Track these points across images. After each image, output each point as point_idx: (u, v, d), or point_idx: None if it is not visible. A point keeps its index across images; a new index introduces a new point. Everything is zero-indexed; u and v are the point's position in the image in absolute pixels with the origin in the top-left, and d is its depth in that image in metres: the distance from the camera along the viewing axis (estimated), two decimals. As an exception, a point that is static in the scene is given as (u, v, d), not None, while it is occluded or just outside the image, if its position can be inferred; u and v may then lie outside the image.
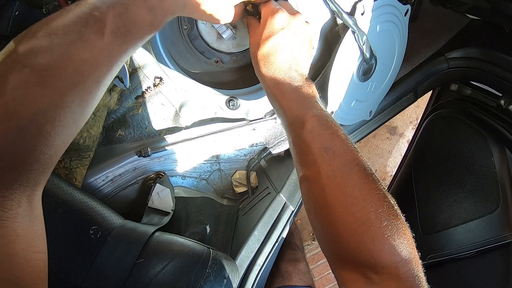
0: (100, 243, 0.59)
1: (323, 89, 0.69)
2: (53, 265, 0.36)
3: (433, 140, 1.17)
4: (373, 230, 0.41)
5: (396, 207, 0.44)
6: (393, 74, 0.82)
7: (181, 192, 0.85)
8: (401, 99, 0.98)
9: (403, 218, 0.43)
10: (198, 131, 0.76)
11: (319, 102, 0.52)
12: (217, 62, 0.69)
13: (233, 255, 0.74)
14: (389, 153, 2.21)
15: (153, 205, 0.76)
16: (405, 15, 0.74)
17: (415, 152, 1.25)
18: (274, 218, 0.77)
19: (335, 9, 0.62)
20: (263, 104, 0.73)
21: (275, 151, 0.82)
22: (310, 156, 0.47)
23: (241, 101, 0.72)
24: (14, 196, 0.33)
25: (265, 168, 0.90)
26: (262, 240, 0.76)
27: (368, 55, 0.68)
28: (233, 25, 0.65)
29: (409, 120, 2.19)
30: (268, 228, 0.77)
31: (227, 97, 0.71)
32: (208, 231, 0.78)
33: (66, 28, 0.37)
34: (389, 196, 0.44)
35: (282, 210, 0.78)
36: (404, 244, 0.41)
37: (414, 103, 1.03)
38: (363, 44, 0.65)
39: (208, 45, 0.68)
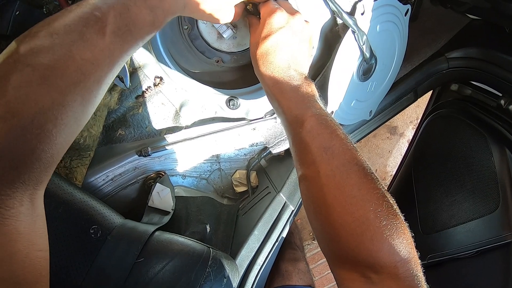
0: (101, 243, 0.59)
1: (323, 88, 0.69)
2: (53, 264, 0.36)
3: (433, 140, 1.17)
4: (372, 229, 0.41)
5: (395, 207, 0.44)
6: (393, 74, 0.82)
7: (181, 191, 0.85)
8: (401, 99, 0.98)
9: (402, 218, 0.44)
10: (198, 131, 0.76)
11: (318, 101, 0.52)
12: (218, 61, 0.69)
13: (233, 254, 0.74)
14: (389, 153, 2.21)
15: (153, 204, 0.76)
16: (405, 15, 0.74)
17: (415, 152, 1.25)
18: (274, 218, 0.78)
19: (335, 9, 0.62)
20: (263, 104, 0.73)
21: (275, 150, 0.82)
22: (309, 155, 0.47)
23: (241, 101, 0.72)
24: (16, 194, 0.33)
25: (265, 167, 0.90)
26: (262, 240, 0.76)
27: (368, 55, 0.68)
28: (233, 25, 0.65)
29: (409, 120, 2.19)
30: (268, 228, 0.77)
31: (227, 96, 0.71)
32: (208, 231, 0.79)
33: (68, 28, 0.37)
34: (388, 195, 0.44)
35: (282, 209, 0.78)
36: (403, 244, 0.41)
37: (414, 103, 1.03)
38: (363, 44, 0.65)
39: (208, 44, 0.68)
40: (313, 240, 2.10)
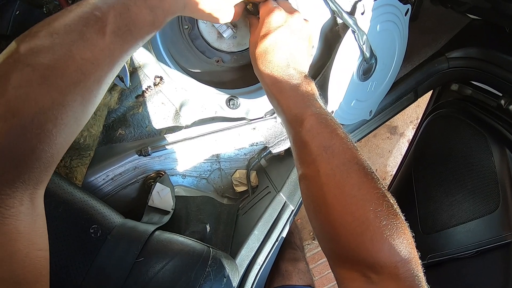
0: (100, 242, 0.59)
1: (323, 88, 0.69)
2: (53, 264, 0.36)
3: (433, 140, 1.17)
4: (372, 229, 0.41)
5: (395, 207, 0.44)
6: (393, 73, 0.82)
7: (181, 191, 0.85)
8: (402, 98, 0.98)
9: (403, 218, 0.43)
10: (198, 130, 0.76)
11: (318, 100, 0.52)
12: (218, 61, 0.69)
13: (233, 254, 0.74)
14: (390, 153, 2.21)
15: (153, 204, 0.76)
16: (405, 15, 0.74)
17: (415, 152, 1.25)
18: (274, 217, 0.78)
19: (335, 9, 0.62)
20: (263, 104, 0.73)
21: (275, 150, 0.82)
22: (309, 154, 0.47)
23: (241, 101, 0.72)
24: (16, 194, 0.33)
25: (265, 167, 0.90)
26: (262, 239, 0.76)
27: (368, 55, 0.68)
28: (233, 24, 0.65)
29: (410, 119, 2.19)
30: (268, 227, 0.77)
31: (228, 96, 0.71)
32: (208, 230, 0.79)
33: (68, 27, 0.37)
34: (389, 195, 0.44)
35: (282, 209, 0.78)
36: (404, 244, 0.41)
37: (415, 103, 1.03)
38: (363, 44, 0.65)
39: (208, 44, 0.68)
40: (313, 240, 2.10)
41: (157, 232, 0.65)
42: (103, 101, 0.68)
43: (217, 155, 0.85)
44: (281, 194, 0.79)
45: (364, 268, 0.42)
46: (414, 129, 1.75)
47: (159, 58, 0.68)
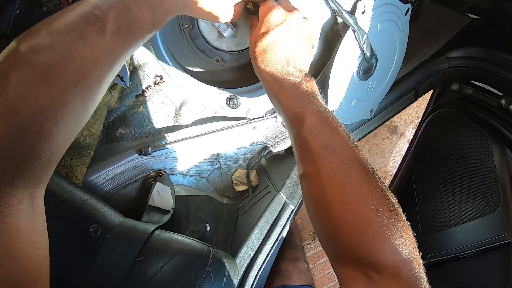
0: (100, 241, 0.59)
1: (323, 88, 0.69)
2: (53, 263, 0.36)
3: (434, 140, 1.17)
4: (373, 229, 0.41)
5: (397, 206, 0.43)
6: (394, 73, 0.82)
7: (181, 190, 0.85)
8: (402, 98, 0.98)
9: (404, 217, 0.43)
10: (199, 130, 0.76)
11: (319, 99, 0.51)
12: (218, 60, 0.69)
13: (233, 253, 0.74)
14: (390, 153, 2.21)
15: (153, 203, 0.76)
16: (405, 14, 0.74)
17: (415, 152, 1.25)
18: (274, 217, 0.77)
19: (335, 8, 0.62)
20: (263, 103, 0.73)
21: (276, 149, 0.82)
22: (309, 153, 0.47)
23: (241, 100, 0.72)
24: (16, 192, 0.33)
25: (265, 166, 0.90)
26: (262, 239, 0.76)
27: (368, 54, 0.68)
28: (233, 24, 0.65)
29: (410, 119, 2.19)
30: (268, 227, 0.77)
31: (228, 95, 0.71)
32: (208, 230, 0.79)
33: (68, 27, 0.37)
34: (390, 194, 0.44)
35: (282, 209, 0.78)
36: (405, 244, 0.41)
37: (415, 103, 1.03)
38: (364, 43, 0.65)
39: (209, 43, 0.68)
40: (314, 239, 2.11)
41: (157, 232, 0.65)
42: (103, 100, 0.68)
43: (217, 155, 0.85)
44: (281, 193, 0.79)
45: (365, 267, 0.42)
46: (415, 129, 1.75)
47: (159, 57, 0.68)
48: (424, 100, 1.21)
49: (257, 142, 0.83)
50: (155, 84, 0.71)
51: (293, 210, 0.79)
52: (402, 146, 2.20)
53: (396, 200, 0.44)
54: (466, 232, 0.96)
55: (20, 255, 0.32)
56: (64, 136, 0.37)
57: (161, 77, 0.70)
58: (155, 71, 0.69)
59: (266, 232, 0.76)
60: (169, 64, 0.69)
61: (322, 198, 0.46)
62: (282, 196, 0.79)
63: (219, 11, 0.54)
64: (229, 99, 0.72)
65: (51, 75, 0.35)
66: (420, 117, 1.34)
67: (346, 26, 0.64)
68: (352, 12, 0.64)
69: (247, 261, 0.74)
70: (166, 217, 0.73)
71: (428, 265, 1.05)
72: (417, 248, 0.42)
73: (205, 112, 0.75)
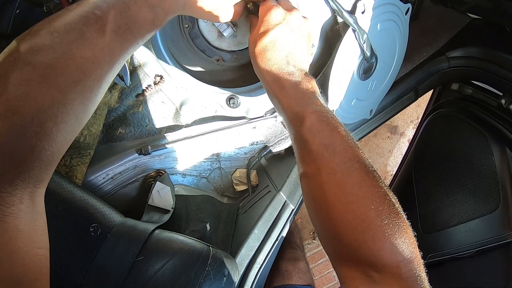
0: (100, 241, 0.59)
1: (323, 87, 0.69)
2: (53, 262, 0.36)
3: (434, 140, 1.17)
4: (374, 228, 0.41)
5: (397, 205, 0.43)
6: (394, 73, 0.82)
7: (181, 190, 0.85)
8: (402, 98, 0.98)
9: (405, 217, 0.43)
10: (199, 129, 0.76)
11: (319, 98, 0.51)
12: (218, 60, 0.69)
13: (233, 253, 0.74)
14: (390, 152, 2.21)
15: (153, 203, 0.76)
16: (405, 14, 0.74)
17: (415, 151, 1.25)
18: (274, 217, 0.78)
19: (335, 8, 0.62)
20: (263, 103, 0.73)
21: (276, 149, 0.82)
22: (309, 153, 0.47)
23: (241, 100, 0.72)
24: (16, 192, 0.33)
25: (265, 166, 0.90)
26: (262, 239, 0.76)
27: (368, 54, 0.68)
28: (233, 23, 0.65)
29: (410, 119, 2.19)
30: (268, 227, 0.77)
31: (228, 95, 0.71)
32: (208, 229, 0.79)
33: (68, 26, 0.37)
34: (391, 194, 0.44)
35: (282, 208, 0.78)
36: (406, 243, 0.41)
37: (415, 102, 1.03)
38: (364, 43, 0.65)
39: (209, 43, 0.68)
40: (314, 239, 2.11)
41: (157, 231, 0.65)
42: (103, 99, 0.68)
43: (217, 154, 0.85)
44: (281, 193, 0.79)
45: (365, 267, 0.42)
46: (415, 129, 1.75)
47: (159, 56, 0.68)
48: (424, 100, 1.21)
49: (257, 142, 0.83)
50: (155, 83, 0.71)
51: (293, 209, 0.79)
52: (402, 146, 2.20)
53: (397, 200, 0.44)
54: (466, 232, 0.96)
55: (20, 254, 0.32)
56: (64, 135, 0.37)
57: (161, 77, 0.70)
58: (155, 70, 0.69)
59: (266, 231, 0.76)
60: (169, 64, 0.69)
61: (322, 198, 0.46)
62: (282, 196, 0.79)
63: (219, 10, 0.54)
64: (229, 99, 0.72)
65: (51, 75, 0.35)
66: (420, 117, 1.34)
67: (346, 25, 0.64)
68: (352, 12, 0.64)
69: (247, 261, 0.74)
70: (166, 217, 0.73)
71: (428, 265, 1.04)
72: (417, 248, 0.42)
73: (205, 112, 0.75)
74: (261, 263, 0.75)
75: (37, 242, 0.35)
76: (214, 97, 0.72)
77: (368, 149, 2.18)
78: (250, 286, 0.73)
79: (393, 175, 1.41)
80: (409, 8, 0.74)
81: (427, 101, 1.27)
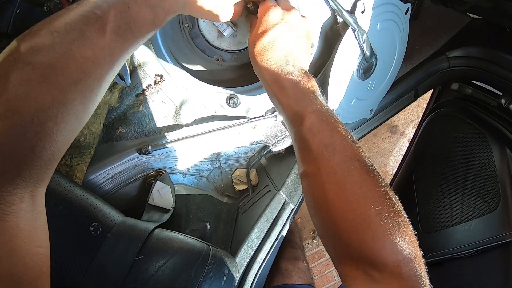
0: (101, 240, 0.59)
1: (323, 87, 0.69)
2: (53, 261, 0.36)
3: (434, 139, 1.17)
4: (374, 227, 0.41)
5: (397, 205, 0.43)
6: (394, 72, 0.82)
7: (181, 189, 0.86)
8: (402, 97, 0.98)
9: (405, 216, 0.43)
10: (199, 129, 0.76)
11: (319, 97, 0.51)
12: (218, 60, 0.69)
13: (233, 252, 0.74)
14: (390, 152, 2.21)
15: (153, 202, 0.76)
16: (405, 14, 0.74)
17: (415, 151, 1.25)
18: (274, 216, 0.78)
19: (335, 7, 0.62)
20: (263, 102, 0.73)
21: (276, 149, 0.82)
22: (309, 152, 0.47)
23: (241, 99, 0.72)
24: (16, 191, 0.33)
25: (265, 166, 0.90)
26: (262, 238, 0.76)
27: (368, 54, 0.68)
28: (233, 23, 0.65)
29: (410, 119, 2.19)
30: (268, 226, 0.77)
31: (228, 94, 0.72)
32: (208, 229, 0.79)
33: (68, 26, 0.37)
34: (391, 193, 0.44)
35: (282, 208, 0.78)
36: (406, 242, 0.41)
37: (415, 102, 1.03)
38: (364, 43, 0.65)
39: (209, 43, 0.68)
40: (313, 239, 2.11)
41: (157, 230, 0.65)
42: (104, 99, 0.68)
43: (217, 154, 0.85)
44: (281, 192, 0.79)
45: (366, 266, 0.41)
46: (415, 128, 1.75)
47: (160, 56, 0.68)
48: (424, 100, 1.21)
49: (257, 141, 0.83)
50: (155, 83, 0.71)
51: (293, 209, 0.79)
52: (402, 146, 2.20)
53: (397, 199, 0.44)
54: (466, 232, 0.96)
55: (21, 253, 0.33)
56: (64, 135, 0.37)
57: (161, 76, 0.70)
58: (155, 70, 0.69)
59: (266, 231, 0.77)
60: (169, 63, 0.69)
61: (322, 197, 0.46)
62: (282, 195, 0.79)
63: (219, 10, 0.54)
64: (229, 98, 0.72)
65: (51, 75, 0.35)
66: (420, 117, 1.34)
67: (346, 25, 0.64)
68: (352, 12, 0.64)
69: (247, 260, 0.74)
70: (166, 216, 0.73)
71: (428, 265, 1.05)
72: (418, 247, 0.42)
73: (205, 111, 0.75)
74: (261, 262, 0.75)
75: (37, 241, 0.35)
76: (214, 97, 0.72)
77: (368, 148, 2.18)
78: (250, 285, 0.73)
79: (393, 175, 1.41)
80: (409, 8, 0.74)
81: (427, 101, 1.27)
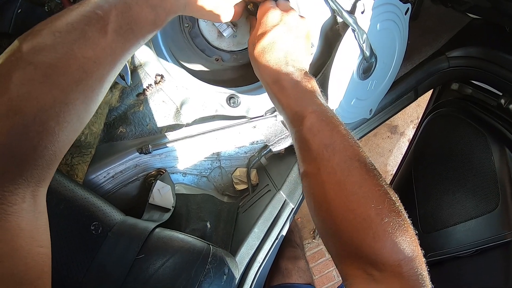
0: (101, 239, 0.59)
1: (323, 87, 0.69)
2: (54, 260, 0.36)
3: (434, 139, 1.17)
4: (374, 227, 0.41)
5: (398, 204, 0.43)
6: (394, 72, 0.82)
7: (181, 189, 0.86)
8: (402, 97, 0.98)
9: (406, 215, 0.43)
10: (199, 129, 0.76)
11: (319, 97, 0.51)
12: (218, 60, 0.70)
13: (233, 252, 0.75)
14: (390, 152, 2.21)
15: (153, 201, 0.76)
16: (405, 14, 0.74)
17: (415, 151, 1.25)
18: (274, 216, 0.78)
19: (335, 8, 0.62)
20: (263, 102, 0.73)
21: (276, 148, 0.82)
22: (310, 152, 0.48)
23: (241, 99, 0.72)
24: (18, 191, 0.34)
25: (265, 165, 0.91)
26: (262, 238, 0.76)
27: (368, 54, 0.68)
28: (233, 23, 0.65)
29: (410, 119, 2.19)
30: (268, 225, 0.77)
31: (228, 94, 0.72)
32: (208, 228, 0.79)
33: (70, 26, 0.37)
34: (391, 192, 0.44)
35: (282, 207, 0.78)
36: (407, 242, 0.41)
37: (415, 102, 1.03)
38: (363, 43, 0.66)
39: (208, 43, 0.68)
40: (313, 238, 2.11)
41: (157, 230, 0.65)
42: (104, 99, 0.68)
43: (218, 153, 0.85)
44: (281, 192, 0.79)
45: (366, 265, 0.42)
46: (415, 128, 1.75)
47: (160, 56, 0.68)
48: (424, 100, 1.21)
49: (257, 141, 0.84)
50: (155, 83, 0.71)
51: (293, 208, 0.79)
52: (402, 146, 2.20)
53: (398, 198, 0.44)
54: (465, 231, 0.97)
55: (22, 253, 0.33)
56: (66, 135, 0.37)
57: (162, 76, 0.70)
58: (156, 70, 0.70)
59: (266, 230, 0.77)
60: (169, 63, 0.69)
61: (322, 197, 0.46)
62: (282, 195, 0.79)
63: (219, 10, 0.54)
64: (230, 98, 0.72)
65: (53, 75, 0.35)
66: (420, 117, 1.34)
67: (345, 25, 0.64)
68: (351, 12, 0.64)
69: (247, 259, 0.74)
70: (167, 216, 0.73)
71: (428, 264, 1.05)
72: (419, 246, 0.42)
73: (206, 111, 0.75)
74: (261, 262, 0.75)
75: (39, 241, 0.35)
76: (215, 97, 0.72)
77: (368, 148, 2.18)
78: (250, 284, 0.73)
79: (393, 175, 1.41)
80: (408, 8, 0.74)
81: (427, 101, 1.27)
